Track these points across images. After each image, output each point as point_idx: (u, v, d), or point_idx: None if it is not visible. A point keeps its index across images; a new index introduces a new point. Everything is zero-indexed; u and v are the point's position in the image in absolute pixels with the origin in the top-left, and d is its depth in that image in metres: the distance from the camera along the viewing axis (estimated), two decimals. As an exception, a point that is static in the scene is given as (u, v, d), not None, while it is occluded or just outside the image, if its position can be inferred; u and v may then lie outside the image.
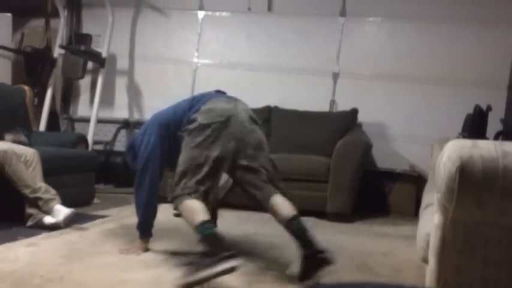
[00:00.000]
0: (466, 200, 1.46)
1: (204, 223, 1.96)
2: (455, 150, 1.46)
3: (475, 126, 3.28)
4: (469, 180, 1.43)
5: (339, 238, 3.02)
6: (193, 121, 2.20)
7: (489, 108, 3.31)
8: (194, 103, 2.29)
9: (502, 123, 3.90)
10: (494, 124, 3.58)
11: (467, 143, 1.49)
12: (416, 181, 4.05)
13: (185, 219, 2.06)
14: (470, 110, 3.43)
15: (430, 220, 1.67)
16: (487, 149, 1.46)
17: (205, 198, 2.10)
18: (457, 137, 3.09)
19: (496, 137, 3.58)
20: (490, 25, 4.25)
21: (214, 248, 1.88)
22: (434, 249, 1.58)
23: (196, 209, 2.02)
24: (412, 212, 3.84)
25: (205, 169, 2.10)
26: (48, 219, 2.82)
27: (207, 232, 1.94)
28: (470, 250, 1.53)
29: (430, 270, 1.61)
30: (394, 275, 2.27)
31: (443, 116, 4.23)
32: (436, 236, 1.57)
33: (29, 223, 2.83)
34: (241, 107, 2.30)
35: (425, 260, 1.73)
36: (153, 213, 2.39)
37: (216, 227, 2.02)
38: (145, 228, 2.40)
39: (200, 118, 2.17)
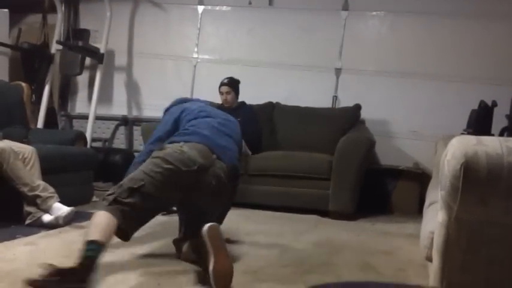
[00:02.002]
0: (471, 197, 1.46)
1: (92, 243, 1.80)
2: (459, 147, 1.45)
3: (480, 122, 3.25)
4: (473, 178, 1.42)
5: (342, 236, 2.99)
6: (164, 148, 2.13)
7: (494, 104, 3.27)
8: (187, 131, 2.24)
9: (508, 119, 3.84)
10: (499, 120, 3.52)
11: (472, 139, 1.48)
12: (420, 178, 4.01)
13: (88, 225, 1.93)
14: (475, 106, 3.39)
15: (434, 218, 1.66)
16: (492, 145, 1.45)
17: (123, 217, 1.95)
18: (462, 134, 3.05)
19: (501, 133, 3.54)
20: (496, 20, 4.20)
21: (79, 273, 1.73)
22: (438, 248, 1.58)
23: (100, 224, 1.88)
24: (416, 210, 3.79)
25: (135, 198, 1.98)
26: (46, 218, 2.80)
27: (88, 254, 1.78)
28: (474, 249, 1.54)
29: (434, 269, 1.61)
30: (397, 274, 2.23)
31: (448, 112, 4.18)
32: (440, 235, 1.57)
33: (28, 221, 2.81)
34: (218, 167, 2.16)
35: (429, 259, 1.71)
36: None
37: (100, 254, 1.81)
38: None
39: (168, 150, 2.10)
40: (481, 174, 1.41)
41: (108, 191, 2.03)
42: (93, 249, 1.79)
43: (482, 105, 3.28)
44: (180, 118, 2.41)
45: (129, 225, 2.00)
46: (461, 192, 1.43)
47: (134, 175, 2.05)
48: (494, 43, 4.20)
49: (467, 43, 4.27)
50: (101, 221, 1.89)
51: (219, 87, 4.10)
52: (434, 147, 3.39)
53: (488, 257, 1.52)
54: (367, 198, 3.85)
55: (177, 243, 2.29)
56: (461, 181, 1.42)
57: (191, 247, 2.15)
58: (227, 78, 4.11)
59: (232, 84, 4.08)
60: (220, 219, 2.31)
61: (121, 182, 2.04)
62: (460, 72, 4.28)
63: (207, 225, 1.93)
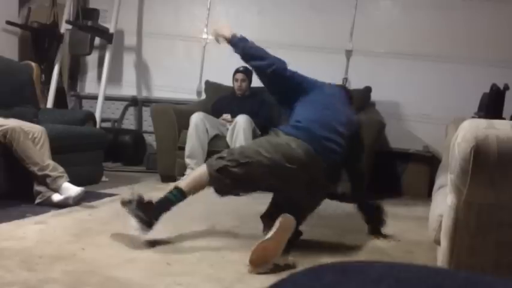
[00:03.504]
0: (480, 181, 1.44)
1: (177, 189, 2.16)
2: (470, 130, 1.43)
3: (491, 105, 3.21)
4: (483, 161, 1.41)
5: (350, 218, 2.98)
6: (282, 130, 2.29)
7: (506, 87, 3.22)
8: (299, 125, 2.32)
9: (520, 102, 3.79)
10: (511, 104, 3.48)
11: (483, 123, 1.46)
12: (430, 162, 3.99)
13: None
14: (487, 89, 3.34)
15: (443, 201, 1.65)
16: (503, 129, 1.43)
17: (218, 183, 2.17)
18: (473, 117, 3.02)
19: (513, 117, 3.49)
20: (510, 2, 4.10)
21: (155, 209, 2.11)
22: (447, 231, 1.57)
23: (194, 178, 2.21)
24: (425, 193, 3.78)
25: (239, 170, 2.15)
26: (56, 197, 2.81)
27: (169, 197, 2.14)
28: (483, 232, 1.53)
29: (442, 251, 1.60)
30: (406, 256, 2.24)
31: (459, 95, 4.13)
32: (449, 218, 1.56)
33: (38, 200, 2.82)
34: (318, 167, 2.23)
35: (437, 242, 1.71)
36: (255, 54, 2.60)
37: (178, 201, 2.15)
38: (242, 43, 2.60)
39: (280, 141, 2.23)
40: (491, 157, 1.40)
41: (219, 153, 2.25)
42: (175, 195, 2.14)
43: (494, 88, 3.24)
44: (301, 87, 2.60)
45: (221, 190, 2.24)
46: (470, 176, 1.42)
47: (246, 150, 2.23)
48: (507, 25, 4.12)
49: (480, 25, 4.19)
50: (197, 177, 2.20)
51: (234, 74, 4.08)
52: (444, 130, 3.36)
53: (497, 241, 1.51)
54: (377, 181, 3.83)
55: (264, 219, 2.41)
56: (471, 164, 1.40)
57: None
58: (243, 66, 4.10)
59: (248, 72, 4.08)
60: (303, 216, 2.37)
61: (233, 150, 2.28)
62: (472, 55, 4.21)
63: (285, 215, 2.05)
